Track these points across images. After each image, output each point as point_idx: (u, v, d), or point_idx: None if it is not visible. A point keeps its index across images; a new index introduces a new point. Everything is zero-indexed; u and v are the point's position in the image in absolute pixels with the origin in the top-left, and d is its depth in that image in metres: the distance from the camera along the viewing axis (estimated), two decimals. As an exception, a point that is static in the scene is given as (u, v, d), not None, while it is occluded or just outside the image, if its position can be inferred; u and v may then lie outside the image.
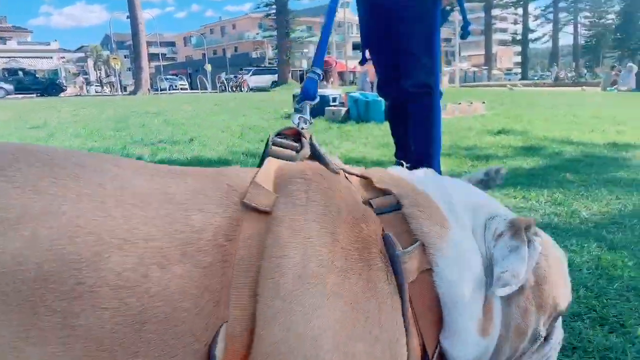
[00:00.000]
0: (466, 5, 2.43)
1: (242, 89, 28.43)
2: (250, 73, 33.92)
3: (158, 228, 0.55)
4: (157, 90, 28.96)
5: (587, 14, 58.34)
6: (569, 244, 1.82)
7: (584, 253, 1.74)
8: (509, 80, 37.07)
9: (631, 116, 6.57)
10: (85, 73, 55.97)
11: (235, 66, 43.36)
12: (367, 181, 0.71)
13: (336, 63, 9.94)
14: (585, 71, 37.30)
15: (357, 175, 0.73)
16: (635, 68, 16.60)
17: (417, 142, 2.50)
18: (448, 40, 51.44)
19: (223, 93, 24.97)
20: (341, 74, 32.36)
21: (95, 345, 0.50)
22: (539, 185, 2.73)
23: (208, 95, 20.34)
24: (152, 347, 0.51)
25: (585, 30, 58.49)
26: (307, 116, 0.89)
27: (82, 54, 66.83)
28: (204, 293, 0.53)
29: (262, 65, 41.83)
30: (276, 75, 35.24)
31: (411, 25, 2.31)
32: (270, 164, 0.67)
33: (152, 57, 56.57)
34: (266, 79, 33.86)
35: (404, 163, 2.31)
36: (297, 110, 0.91)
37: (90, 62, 62.72)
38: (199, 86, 31.01)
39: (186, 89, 35.60)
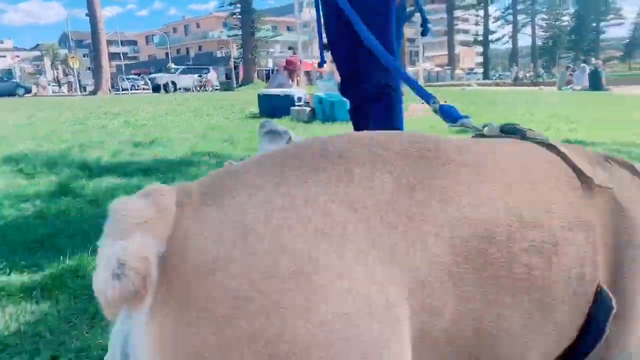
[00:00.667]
0: (430, 6, 2.48)
1: (207, 89, 28.03)
2: (179, 72, 30.43)
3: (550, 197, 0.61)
4: (118, 90, 28.19)
5: (544, 16, 60.63)
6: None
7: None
8: (469, 79, 38.04)
9: (584, 114, 6.86)
10: (42, 73, 53.84)
11: (201, 65, 42.71)
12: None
13: (301, 62, 9.90)
14: (543, 71, 38.67)
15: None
16: (587, 68, 17.33)
17: None
18: (412, 40, 52.30)
19: (185, 93, 24.54)
20: (308, 74, 32.38)
21: (541, 296, 0.56)
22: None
23: (171, 95, 19.96)
24: (562, 305, 0.58)
25: (542, 32, 60.76)
26: (477, 126, 1.00)
27: (38, 53, 64.38)
28: (585, 264, 0.59)
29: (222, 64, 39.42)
30: (213, 73, 31.88)
31: (367, 22, 2.32)
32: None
33: (113, 56, 55.14)
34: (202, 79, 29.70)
35: None
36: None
37: (47, 61, 60.47)
38: (161, 86, 30.37)
39: (149, 89, 34.79)
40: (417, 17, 2.44)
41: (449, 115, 1.07)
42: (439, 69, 53.88)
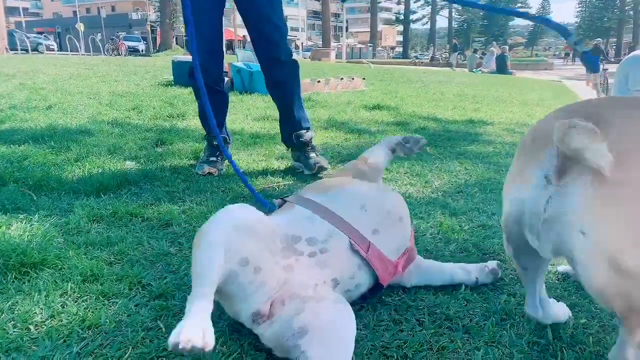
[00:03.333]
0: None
1: (120, 53, 26.14)
2: None
3: None
4: (16, 50, 25.32)
5: None
6: (419, 212, 1.98)
7: (430, 219, 1.91)
8: (392, 57, 38.91)
9: (487, 95, 7.32)
10: None
11: (112, 27, 39.62)
12: None
13: (220, 31, 9.47)
14: (457, 53, 40.46)
15: None
16: (495, 53, 18.46)
17: (296, 110, 2.55)
18: (337, 15, 52.24)
19: (97, 56, 22.70)
20: (230, 43, 31.21)
21: None
22: (401, 158, 2.91)
23: (79, 58, 18.38)
24: None
25: (458, 15, 63.52)
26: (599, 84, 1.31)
27: None
28: None
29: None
30: None
31: None
32: None
33: (11, 11, 49.50)
34: None
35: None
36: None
37: None
38: (69, 48, 27.82)
39: (54, 50, 31.69)
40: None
41: (593, 63, 1.36)
42: (361, 45, 54.51)
